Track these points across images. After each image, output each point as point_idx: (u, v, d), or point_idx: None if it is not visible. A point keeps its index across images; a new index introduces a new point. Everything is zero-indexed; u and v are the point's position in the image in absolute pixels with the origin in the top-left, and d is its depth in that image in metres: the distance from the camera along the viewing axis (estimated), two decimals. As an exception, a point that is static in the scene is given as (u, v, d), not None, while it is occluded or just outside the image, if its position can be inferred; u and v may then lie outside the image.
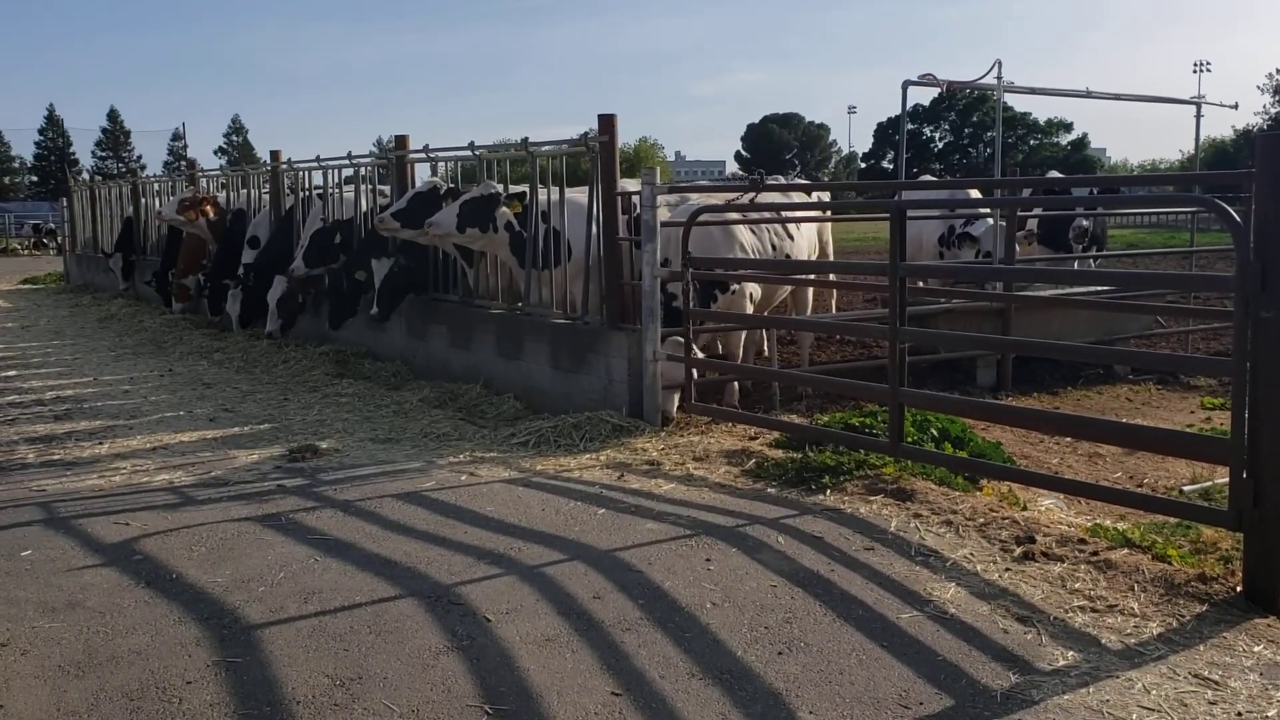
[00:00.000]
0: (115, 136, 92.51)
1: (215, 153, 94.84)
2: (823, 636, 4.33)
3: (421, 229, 9.37)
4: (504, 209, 9.14)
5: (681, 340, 7.71)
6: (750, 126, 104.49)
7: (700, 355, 8.22)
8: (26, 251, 42.11)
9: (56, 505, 6.30)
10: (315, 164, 13.41)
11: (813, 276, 9.71)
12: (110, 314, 17.18)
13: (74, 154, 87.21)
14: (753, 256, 9.01)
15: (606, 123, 8.50)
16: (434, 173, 11.03)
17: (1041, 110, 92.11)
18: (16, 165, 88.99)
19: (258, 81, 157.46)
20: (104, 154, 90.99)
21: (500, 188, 9.39)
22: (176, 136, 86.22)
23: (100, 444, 8.13)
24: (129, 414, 9.31)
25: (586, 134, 8.61)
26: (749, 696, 3.85)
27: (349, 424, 8.69)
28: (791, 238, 9.69)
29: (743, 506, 6.04)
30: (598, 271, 8.75)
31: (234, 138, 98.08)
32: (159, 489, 6.72)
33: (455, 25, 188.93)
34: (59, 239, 29.20)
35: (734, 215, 8.60)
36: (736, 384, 9.05)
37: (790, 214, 9.62)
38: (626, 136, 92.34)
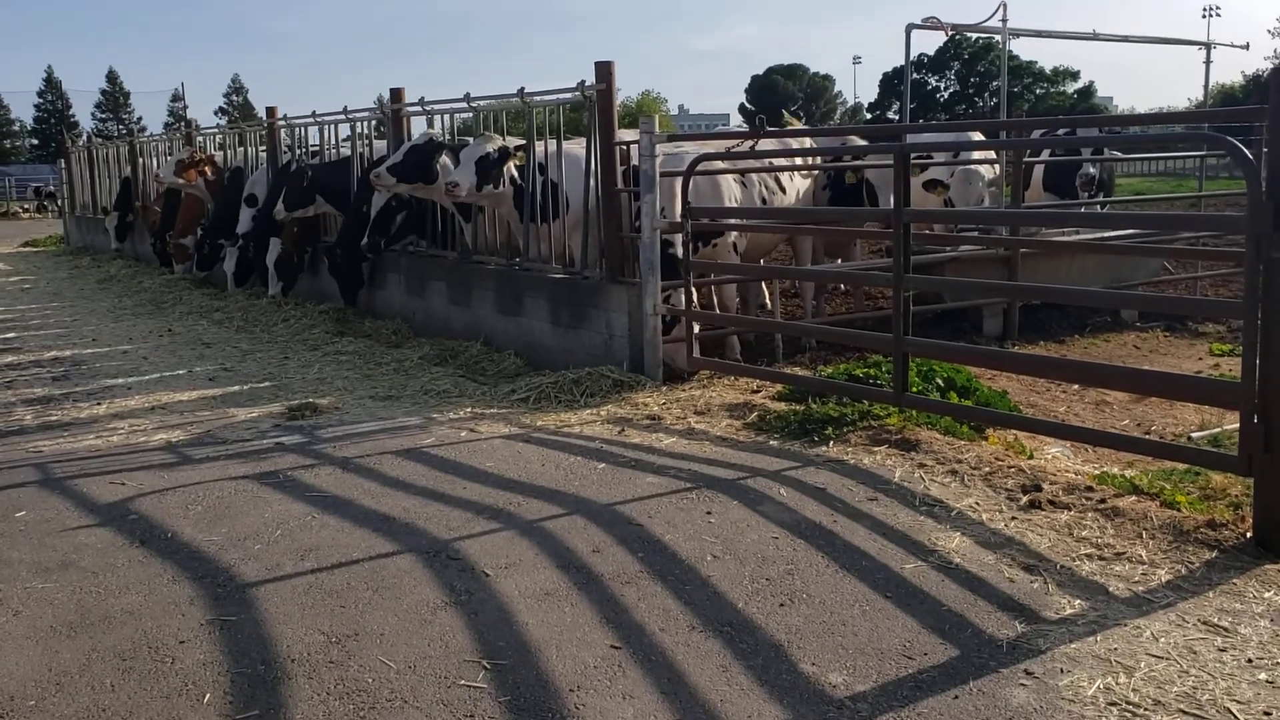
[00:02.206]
0: (115, 98, 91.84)
1: (215, 113, 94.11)
2: (825, 588, 4.27)
3: (416, 183, 9.25)
4: (510, 163, 9.02)
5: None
6: (754, 78, 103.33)
7: (698, 308, 8.11)
8: (28, 214, 41.99)
9: (52, 466, 6.24)
10: (311, 119, 13.26)
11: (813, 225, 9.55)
12: (109, 275, 17.09)
13: (74, 116, 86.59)
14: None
15: (604, 70, 8.33)
16: (430, 126, 10.88)
17: (1048, 59, 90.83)
18: (16, 128, 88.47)
19: (257, 41, 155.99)
20: (104, 116, 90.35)
21: (500, 140, 9.24)
22: (176, 97, 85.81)
23: (98, 405, 8.07)
24: (127, 374, 9.24)
25: (583, 83, 8.44)
26: (750, 649, 3.80)
27: (349, 382, 8.62)
28: (783, 190, 9.54)
29: (744, 459, 5.96)
30: (596, 224, 8.63)
31: (234, 98, 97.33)
32: (156, 448, 6.67)
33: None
34: (59, 201, 29.02)
35: (722, 165, 8.44)
36: (737, 337, 8.94)
37: (790, 161, 9.47)
38: (629, 90, 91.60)
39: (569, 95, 8.76)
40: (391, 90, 11.37)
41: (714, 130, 14.39)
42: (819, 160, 10.04)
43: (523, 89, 9.24)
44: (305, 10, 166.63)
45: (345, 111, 12.34)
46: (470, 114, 10.28)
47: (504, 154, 8.97)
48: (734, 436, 6.49)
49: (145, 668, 3.64)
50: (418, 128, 11.31)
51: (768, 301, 10.55)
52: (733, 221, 8.60)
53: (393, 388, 8.34)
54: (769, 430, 6.55)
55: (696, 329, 7.75)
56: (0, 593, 4.26)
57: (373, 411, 7.52)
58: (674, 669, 3.67)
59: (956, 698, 3.46)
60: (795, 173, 9.79)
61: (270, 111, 14.24)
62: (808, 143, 10.10)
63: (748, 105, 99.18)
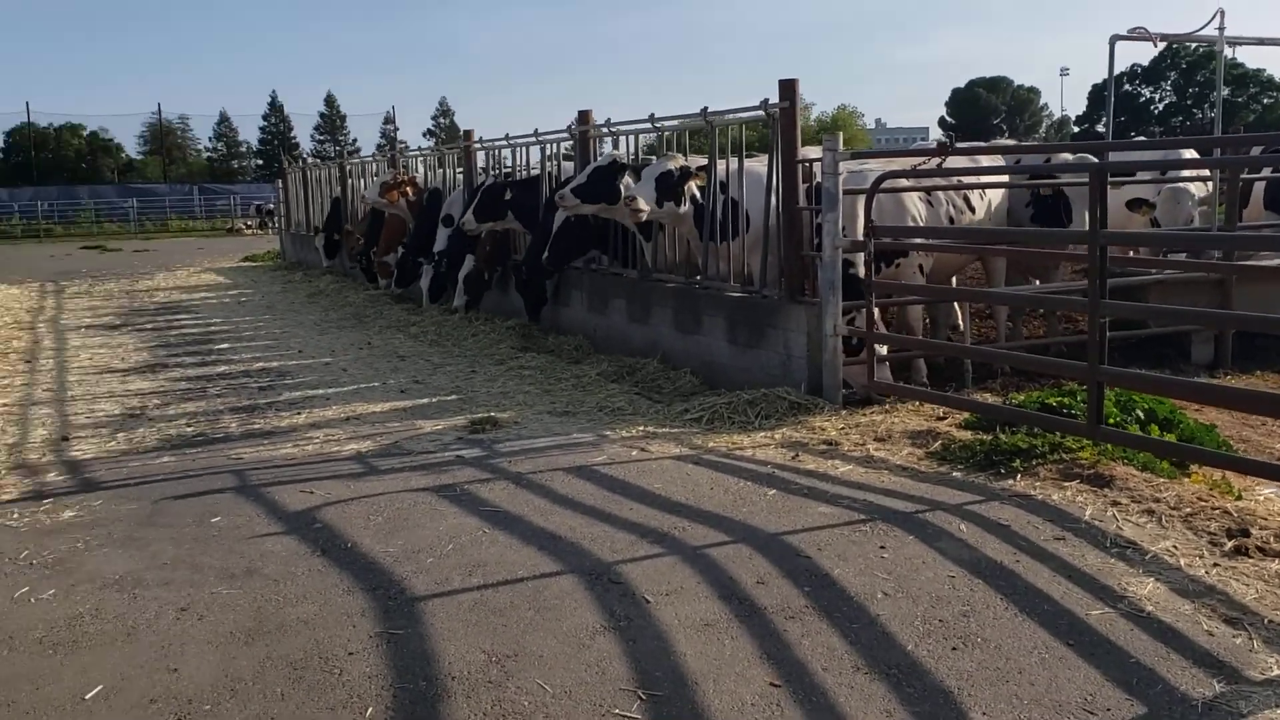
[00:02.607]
0: (332, 120, 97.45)
1: (424, 134, 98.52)
2: (1002, 632, 4.03)
3: (600, 203, 9.36)
4: (691, 182, 9.04)
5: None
6: (955, 91, 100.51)
7: (883, 330, 7.87)
8: (251, 231, 44.97)
9: (250, 473, 6.58)
10: (504, 142, 13.66)
11: (1004, 246, 9.14)
12: (318, 290, 18.05)
13: (294, 138, 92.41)
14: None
15: (787, 88, 8.23)
16: (615, 147, 11.00)
17: (1277, 66, 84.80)
18: (244, 149, 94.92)
19: (464, 65, 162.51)
20: (322, 138, 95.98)
21: (682, 159, 9.26)
22: (388, 120, 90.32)
23: (298, 414, 8.48)
24: (327, 385, 9.70)
25: (765, 101, 8.36)
26: (917, 694, 3.61)
27: (529, 396, 8.78)
28: (971, 208, 9.17)
29: (924, 491, 5.73)
30: (776, 242, 8.52)
31: (441, 120, 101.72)
32: (346, 458, 6.94)
33: (648, 4, 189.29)
34: (276, 219, 30.93)
35: (906, 184, 8.18)
36: (924, 360, 8.64)
37: (979, 180, 9.10)
38: (825, 105, 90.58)
39: (753, 114, 8.69)
40: (579, 112, 11.58)
41: (899, 147, 13.96)
42: (1008, 179, 9.62)
43: (705, 108, 9.24)
44: (508, 35, 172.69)
45: (536, 134, 12.64)
46: (654, 134, 10.34)
47: (685, 173, 8.98)
48: (915, 466, 6.25)
49: (314, 678, 3.76)
50: (606, 149, 11.47)
51: (960, 323, 10.16)
52: (918, 241, 8.31)
53: (570, 403, 8.44)
54: (952, 460, 6.27)
55: (882, 351, 7.53)
56: (189, 597, 4.49)
57: (549, 427, 7.63)
58: (835, 711, 3.53)
59: (1140, 760, 3.19)
60: (985, 190, 9.41)
61: (467, 135, 14.75)
62: (999, 160, 9.69)
63: (948, 119, 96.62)
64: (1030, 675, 3.72)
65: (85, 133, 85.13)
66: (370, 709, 3.54)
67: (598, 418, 7.93)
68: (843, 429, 7.11)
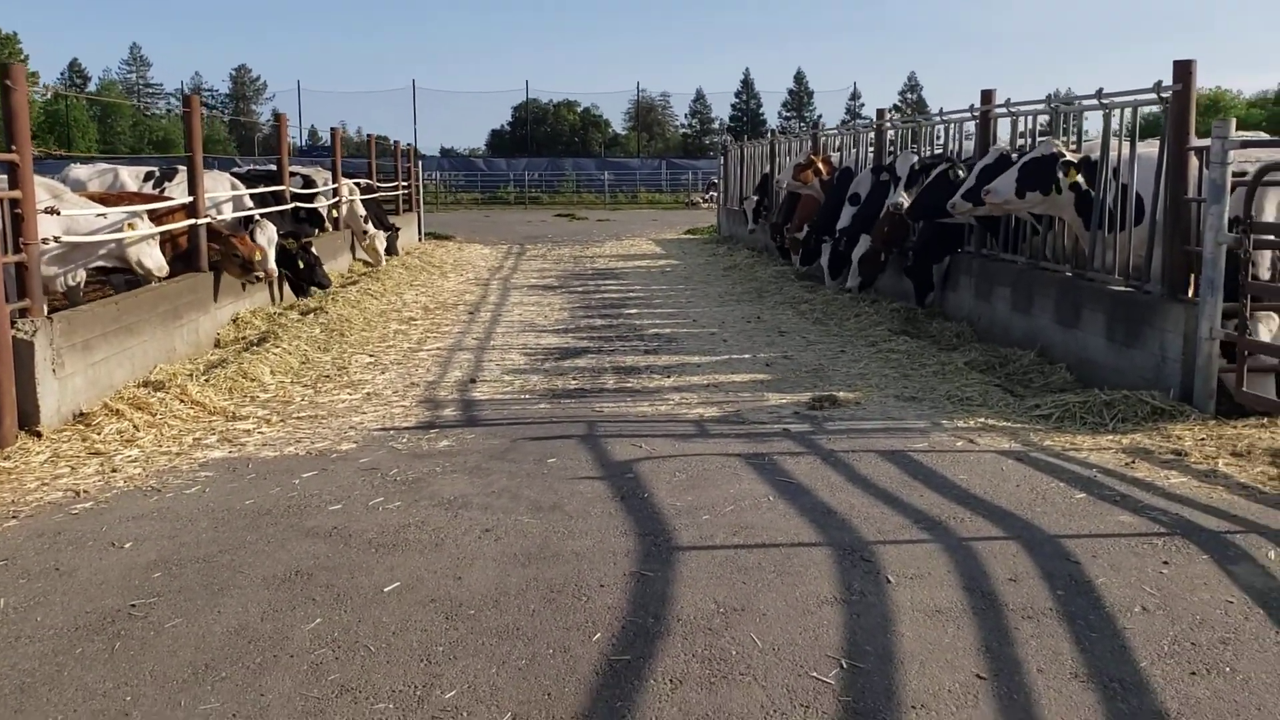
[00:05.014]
0: (799, 97, 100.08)
1: (891, 109, 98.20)
2: (1256, 665, 3.71)
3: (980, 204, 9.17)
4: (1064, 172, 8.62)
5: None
6: None
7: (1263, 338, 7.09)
8: (706, 205, 47.51)
9: (600, 424, 7.32)
10: (913, 121, 13.58)
11: None
12: (734, 264, 18.95)
13: (763, 114, 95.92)
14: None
15: (1182, 69, 7.63)
16: (1014, 127, 10.63)
17: None
18: (716, 125, 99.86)
19: (934, 38, 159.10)
20: (789, 114, 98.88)
21: (1060, 145, 8.83)
22: (854, 95, 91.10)
23: (666, 377, 9.19)
24: (704, 353, 10.36)
25: (1159, 84, 7.76)
26: (1128, 711, 3.46)
27: (885, 379, 8.86)
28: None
29: (1251, 512, 5.22)
30: (1163, 235, 7.91)
31: (908, 95, 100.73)
32: (688, 420, 7.49)
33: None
34: (716, 194, 32.56)
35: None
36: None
37: None
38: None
39: (1145, 96, 8.10)
40: (982, 92, 11.28)
41: None
42: None
43: (1100, 89, 8.73)
44: (995, 8, 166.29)
45: (941, 113, 12.47)
46: (1051, 114, 9.90)
47: (1050, 160, 8.56)
48: (1258, 486, 5.67)
49: (565, 601, 4.29)
50: (1003, 128, 11.12)
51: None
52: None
53: (921, 390, 8.42)
54: (1306, 484, 5.63)
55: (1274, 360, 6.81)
56: (496, 521, 5.22)
57: (888, 411, 7.70)
58: (1030, 712, 3.48)
59: (1355, 827, 2.89)
60: None
61: (879, 114, 14.81)
62: None
63: None
64: (1269, 714, 3.42)
65: (579, 109, 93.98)
66: (598, 635, 4.01)
67: (941, 405, 7.86)
68: (1200, 440, 6.56)
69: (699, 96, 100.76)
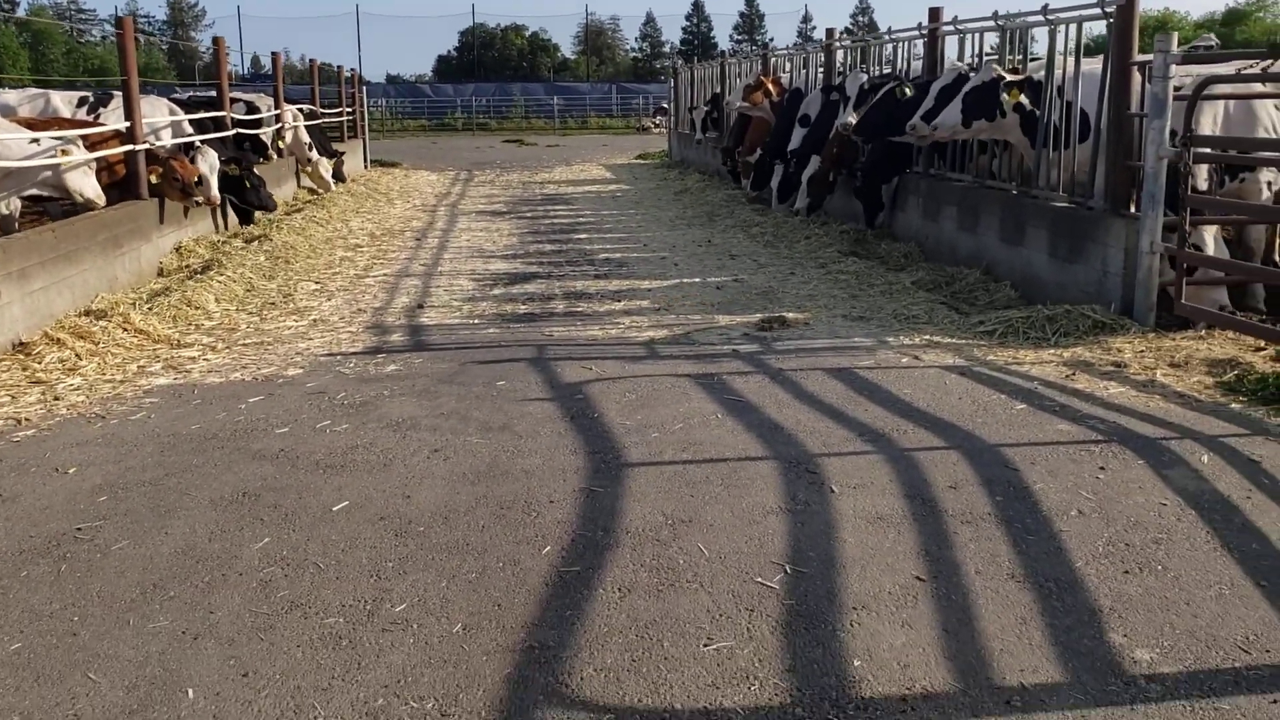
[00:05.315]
0: (750, 20, 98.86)
1: (841, 33, 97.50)
2: (1188, 564, 3.84)
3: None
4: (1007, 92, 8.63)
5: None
6: None
7: (1202, 250, 7.21)
8: (657, 130, 47.08)
9: (550, 348, 7.32)
10: (861, 41, 13.50)
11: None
12: (685, 188, 18.86)
13: (714, 38, 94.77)
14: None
15: (1127, -16, 7.61)
16: (961, 45, 10.62)
17: None
18: (666, 49, 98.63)
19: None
20: (740, 37, 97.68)
21: (1000, 70, 8.84)
22: (805, 18, 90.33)
23: (617, 301, 9.18)
24: (655, 277, 10.35)
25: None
26: (1062, 608, 3.57)
27: (833, 300, 8.92)
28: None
29: (1186, 419, 5.36)
30: (1106, 151, 7.98)
31: (859, 18, 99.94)
32: (636, 343, 7.51)
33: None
34: (667, 118, 32.28)
35: (1259, 88, 7.30)
36: (1262, 286, 7.80)
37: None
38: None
39: (1090, 11, 8.11)
40: (930, 9, 11.24)
41: (1232, 50, 12.22)
42: None
43: (1046, 5, 8.72)
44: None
45: (890, 32, 12.41)
46: (998, 31, 9.88)
47: (993, 85, 8.57)
48: (1194, 394, 5.82)
49: (514, 517, 4.33)
50: (951, 46, 11.10)
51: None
52: (1266, 155, 7.47)
53: (868, 309, 8.49)
54: (1239, 392, 5.78)
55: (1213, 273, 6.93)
56: (445, 442, 5.23)
57: (835, 330, 7.77)
58: (968, 610, 3.58)
59: (1275, 702, 3.02)
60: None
61: (828, 33, 14.70)
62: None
63: None
64: (1196, 609, 3.55)
65: (527, 33, 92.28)
66: (548, 548, 4.05)
67: (888, 324, 7.94)
68: (1139, 352, 6.69)
69: (649, 20, 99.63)
